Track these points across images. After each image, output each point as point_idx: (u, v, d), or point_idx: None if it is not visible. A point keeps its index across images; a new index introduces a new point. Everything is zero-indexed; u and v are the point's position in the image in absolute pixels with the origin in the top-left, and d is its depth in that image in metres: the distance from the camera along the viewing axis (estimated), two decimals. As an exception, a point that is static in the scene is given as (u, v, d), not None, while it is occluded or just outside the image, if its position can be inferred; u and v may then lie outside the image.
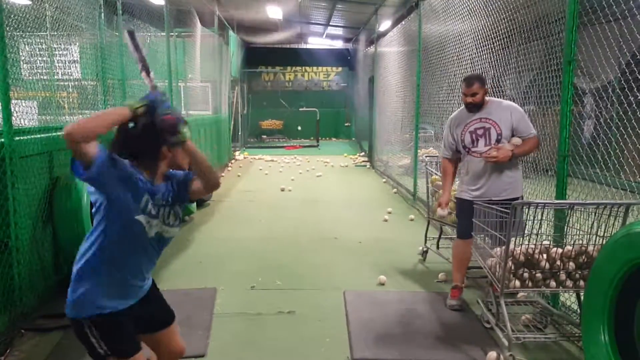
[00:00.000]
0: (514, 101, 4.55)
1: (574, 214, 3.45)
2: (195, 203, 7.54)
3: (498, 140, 4.03)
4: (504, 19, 5.19)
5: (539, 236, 3.40)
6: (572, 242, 3.40)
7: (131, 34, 2.32)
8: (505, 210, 3.33)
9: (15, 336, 3.65)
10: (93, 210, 2.21)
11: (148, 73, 2.31)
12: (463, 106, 4.22)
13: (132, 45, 2.31)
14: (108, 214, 2.12)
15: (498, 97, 4.73)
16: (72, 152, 1.95)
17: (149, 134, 2.16)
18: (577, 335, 3.48)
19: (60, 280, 4.43)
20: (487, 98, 4.15)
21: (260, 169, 12.89)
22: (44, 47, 5.42)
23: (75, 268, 2.20)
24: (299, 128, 21.47)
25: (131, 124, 2.15)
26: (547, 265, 3.34)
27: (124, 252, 2.18)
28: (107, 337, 2.17)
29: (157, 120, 2.15)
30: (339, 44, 22.13)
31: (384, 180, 11.29)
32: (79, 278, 2.17)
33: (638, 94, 3.79)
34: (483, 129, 4.09)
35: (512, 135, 4.04)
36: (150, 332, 2.44)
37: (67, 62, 5.85)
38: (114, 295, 2.19)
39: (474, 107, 4.10)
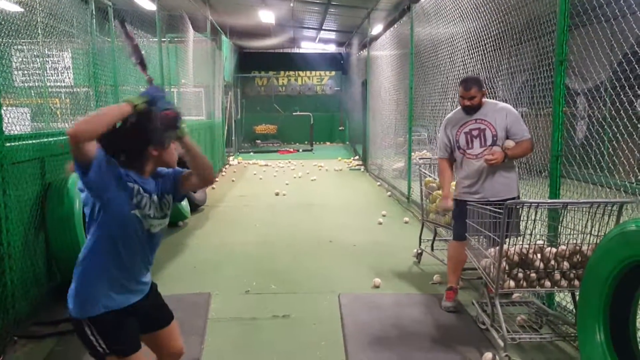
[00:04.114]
0: (506, 102, 4.56)
1: (568, 214, 3.46)
2: (189, 208, 7.52)
3: (494, 142, 4.03)
4: (495, 21, 5.20)
5: (533, 236, 3.40)
6: (566, 242, 3.39)
7: (122, 23, 2.32)
8: (499, 210, 3.33)
9: (8, 343, 3.61)
10: (87, 219, 2.21)
11: (144, 66, 2.30)
12: (459, 107, 4.22)
13: (124, 35, 2.30)
14: (104, 218, 2.13)
15: (490, 99, 4.72)
16: (72, 153, 1.94)
17: (136, 133, 2.16)
18: (572, 335, 3.48)
19: (53, 287, 4.40)
20: (483, 99, 4.16)
21: (255, 174, 12.86)
22: (35, 54, 5.39)
23: (76, 271, 2.21)
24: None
25: (119, 123, 2.12)
26: (542, 265, 3.34)
27: (122, 253, 2.19)
28: (107, 335, 2.17)
29: (157, 115, 2.15)
30: (331, 48, 22.19)
31: (378, 183, 11.29)
32: (81, 280, 2.18)
33: (630, 94, 3.80)
34: (478, 130, 4.10)
35: (506, 137, 4.05)
36: (150, 331, 2.44)
37: (59, 69, 5.82)
38: (115, 293, 2.21)
39: (471, 109, 4.11)
